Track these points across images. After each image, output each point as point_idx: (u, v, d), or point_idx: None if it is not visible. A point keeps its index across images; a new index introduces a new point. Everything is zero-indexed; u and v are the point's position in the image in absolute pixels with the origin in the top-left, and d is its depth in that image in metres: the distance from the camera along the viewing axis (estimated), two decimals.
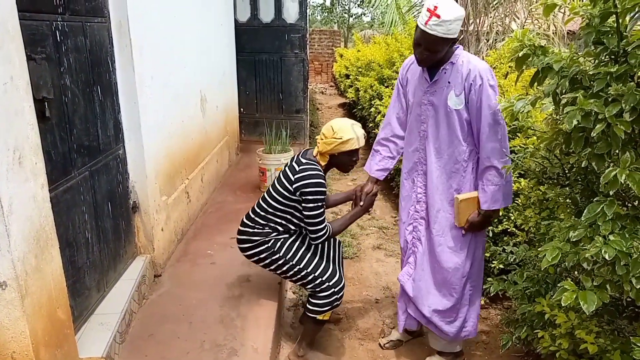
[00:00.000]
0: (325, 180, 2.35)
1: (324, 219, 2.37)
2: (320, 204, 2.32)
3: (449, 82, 2.14)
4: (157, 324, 2.47)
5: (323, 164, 2.40)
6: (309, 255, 2.45)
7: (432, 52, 2.07)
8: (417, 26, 2.07)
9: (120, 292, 2.51)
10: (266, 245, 2.44)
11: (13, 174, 1.48)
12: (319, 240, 2.38)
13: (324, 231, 2.36)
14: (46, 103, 1.85)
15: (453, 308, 2.35)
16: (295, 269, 2.43)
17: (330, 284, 2.41)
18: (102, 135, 2.41)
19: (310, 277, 2.43)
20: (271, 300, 2.71)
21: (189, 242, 3.45)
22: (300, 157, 2.41)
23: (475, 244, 2.31)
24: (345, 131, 2.31)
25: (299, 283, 2.49)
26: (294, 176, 2.32)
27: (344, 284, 2.47)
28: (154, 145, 2.89)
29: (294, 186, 2.31)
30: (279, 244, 2.43)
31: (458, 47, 2.17)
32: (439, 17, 1.96)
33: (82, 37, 2.20)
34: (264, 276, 2.95)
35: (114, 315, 2.31)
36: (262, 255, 2.46)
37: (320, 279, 2.42)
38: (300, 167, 2.33)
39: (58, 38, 2.00)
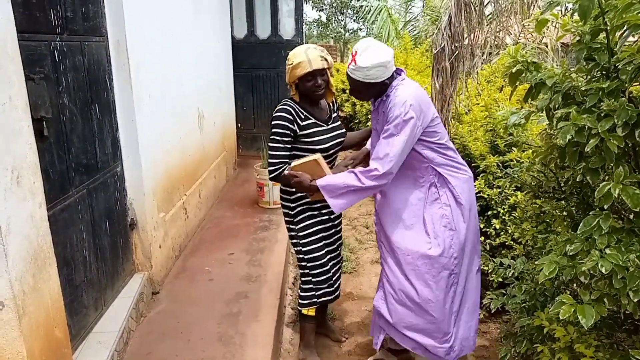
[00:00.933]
0: (290, 114, 2.29)
1: (278, 155, 2.29)
2: (275, 137, 2.30)
3: (383, 112, 2.20)
4: (155, 341, 2.45)
5: (296, 98, 2.35)
6: (316, 246, 2.47)
7: (358, 93, 2.18)
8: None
9: (118, 310, 2.50)
10: (290, 212, 2.47)
11: (11, 193, 1.49)
12: (270, 176, 2.33)
13: (274, 167, 2.29)
14: (44, 122, 1.87)
15: (436, 327, 2.28)
16: (298, 248, 2.49)
17: (314, 280, 2.48)
18: (100, 153, 2.42)
19: (302, 263, 2.50)
20: (270, 316, 2.70)
21: (186, 258, 3.44)
22: None
23: (448, 263, 2.24)
24: (296, 55, 2.23)
25: (298, 262, 2.56)
26: None
27: (326, 287, 2.52)
28: (152, 162, 2.90)
29: None
30: (298, 218, 2.45)
31: (398, 76, 2.20)
32: (356, 63, 2.06)
33: (80, 57, 2.22)
34: (262, 292, 2.94)
35: (112, 334, 2.29)
36: (286, 218, 2.52)
37: (307, 270, 2.49)
38: None
39: (56, 58, 2.02)
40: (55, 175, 2.01)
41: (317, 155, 2.22)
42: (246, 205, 4.61)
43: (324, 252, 2.49)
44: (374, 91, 2.17)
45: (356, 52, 2.08)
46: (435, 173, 2.22)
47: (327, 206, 2.49)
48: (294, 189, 2.38)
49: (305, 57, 2.21)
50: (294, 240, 2.51)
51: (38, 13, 1.90)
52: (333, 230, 2.58)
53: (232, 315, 2.70)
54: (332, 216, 2.55)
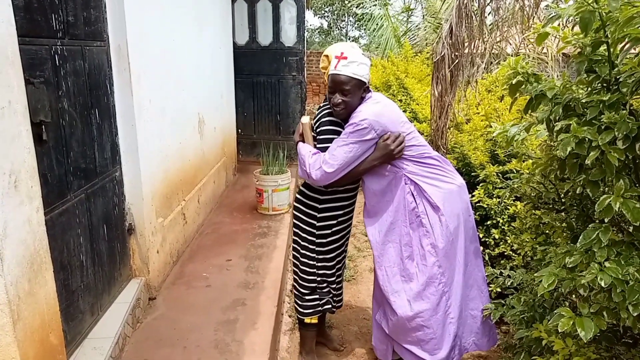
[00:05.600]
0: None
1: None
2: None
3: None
4: (151, 348, 2.43)
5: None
6: (330, 251, 2.51)
7: (345, 95, 2.21)
8: (328, 77, 2.27)
9: (115, 315, 2.48)
10: (315, 214, 2.48)
11: (8, 197, 1.48)
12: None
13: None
14: (43, 126, 1.86)
15: (429, 338, 2.27)
16: (298, 247, 2.55)
17: (298, 291, 2.59)
18: (99, 158, 2.42)
19: (296, 269, 2.59)
20: (267, 324, 2.68)
21: (184, 264, 3.42)
22: None
23: (435, 271, 2.25)
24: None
25: (301, 270, 2.59)
26: None
27: (330, 296, 2.59)
28: (151, 167, 2.89)
29: None
30: (321, 215, 2.47)
31: (368, 94, 2.31)
32: (346, 58, 2.19)
33: (80, 61, 2.22)
34: (260, 300, 2.92)
35: (108, 340, 2.28)
36: (303, 217, 2.50)
37: (296, 278, 2.59)
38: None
39: (57, 62, 2.01)
40: (54, 179, 2.00)
41: (306, 120, 2.44)
42: (245, 211, 4.60)
43: (334, 256, 2.54)
44: (356, 95, 2.22)
45: (341, 52, 2.21)
46: (410, 181, 2.27)
47: (348, 212, 2.59)
48: (325, 191, 2.44)
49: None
50: (296, 241, 2.52)
51: (39, 17, 1.90)
52: (345, 238, 2.60)
53: (229, 322, 2.68)
54: (347, 222, 2.59)
